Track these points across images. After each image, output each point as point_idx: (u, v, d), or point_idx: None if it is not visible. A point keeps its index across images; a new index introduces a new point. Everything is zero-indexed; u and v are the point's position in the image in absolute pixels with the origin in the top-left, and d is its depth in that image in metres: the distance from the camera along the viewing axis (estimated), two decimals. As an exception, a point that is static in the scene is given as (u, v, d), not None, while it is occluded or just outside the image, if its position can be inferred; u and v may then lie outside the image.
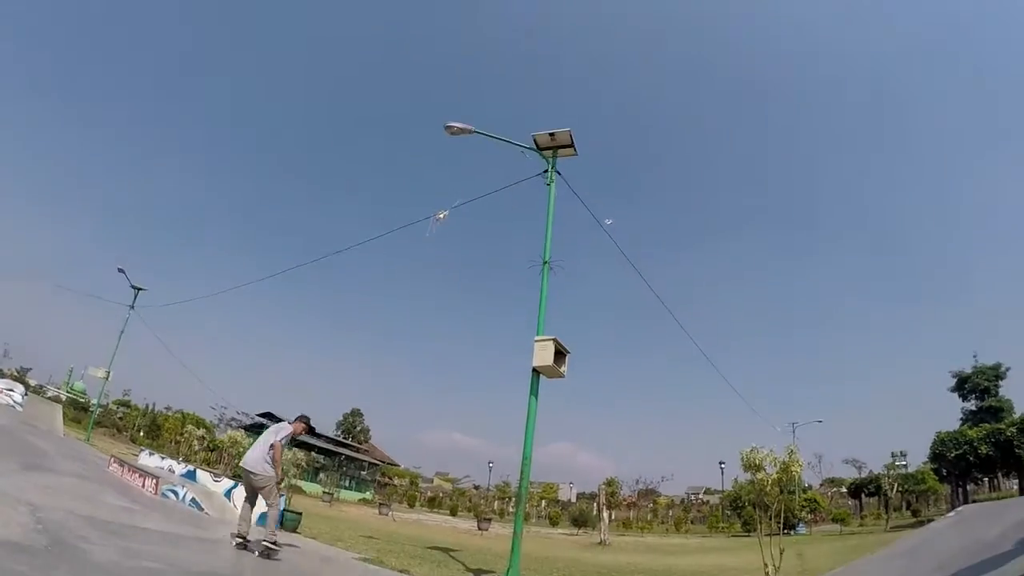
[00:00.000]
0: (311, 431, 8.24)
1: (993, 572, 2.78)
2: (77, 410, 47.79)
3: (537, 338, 8.60)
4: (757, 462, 8.47)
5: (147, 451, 19.44)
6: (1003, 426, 36.18)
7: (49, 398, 45.85)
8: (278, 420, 7.40)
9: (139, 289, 27.77)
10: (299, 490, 36.34)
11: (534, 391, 8.55)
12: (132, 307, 27.56)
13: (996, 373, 44.07)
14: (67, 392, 57.48)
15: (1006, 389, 43.88)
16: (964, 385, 44.03)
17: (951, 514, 6.33)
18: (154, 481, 11.32)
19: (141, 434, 47.77)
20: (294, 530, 10.89)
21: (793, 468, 8.55)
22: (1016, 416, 37.68)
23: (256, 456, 7.18)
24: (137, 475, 12.29)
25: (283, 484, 9.69)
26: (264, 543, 6.79)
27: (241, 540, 6.90)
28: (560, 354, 8.57)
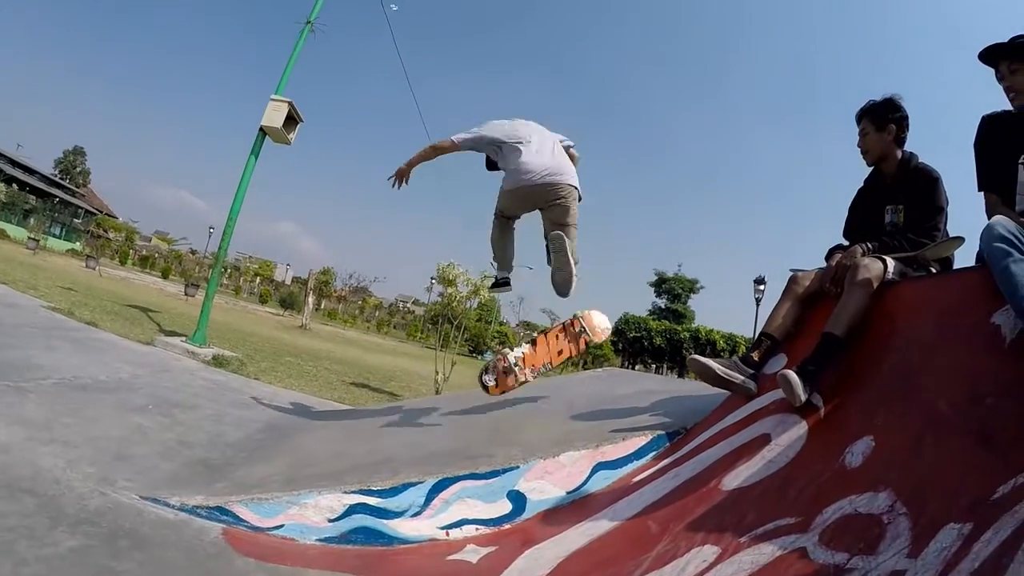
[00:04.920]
0: None
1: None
2: None
3: (273, 97, 7.96)
4: (451, 277, 9.24)
5: None
6: (680, 328, 45.36)
7: None
8: None
9: None
10: (1, 233, 30.65)
11: (255, 151, 8.06)
12: None
13: (691, 287, 53.47)
14: None
15: (694, 302, 53.90)
16: (662, 285, 53.04)
17: (599, 370, 7.75)
18: None
19: None
20: (-17, 273, 9.49)
21: (482, 291, 9.54)
22: (692, 325, 47.39)
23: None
24: None
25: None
26: None
27: None
28: (292, 120, 8.07)
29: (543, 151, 3.74)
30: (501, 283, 4.12)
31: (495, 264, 4.16)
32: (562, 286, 3.67)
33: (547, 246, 3.75)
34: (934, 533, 1.28)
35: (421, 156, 3.79)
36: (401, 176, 3.80)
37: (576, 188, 3.75)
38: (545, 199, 3.71)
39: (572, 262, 3.60)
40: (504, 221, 4.02)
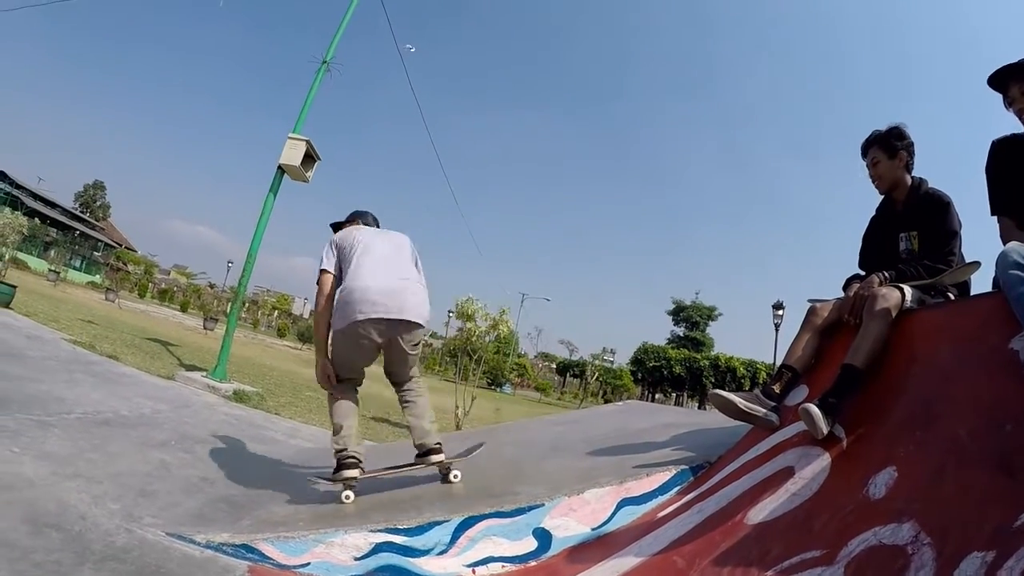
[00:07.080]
0: None
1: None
2: None
3: (291, 135, 8.18)
4: (469, 312, 9.27)
5: None
6: (699, 356, 44.74)
7: None
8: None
9: None
10: (23, 265, 31.40)
11: (274, 189, 8.25)
12: None
13: (709, 314, 52.85)
14: None
15: (712, 329, 53.23)
16: (680, 313, 52.58)
17: (619, 403, 7.72)
18: None
19: None
20: (6, 305, 9.70)
21: (501, 326, 9.54)
22: (712, 353, 46.63)
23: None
24: None
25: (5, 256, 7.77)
26: None
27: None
28: (310, 158, 8.28)
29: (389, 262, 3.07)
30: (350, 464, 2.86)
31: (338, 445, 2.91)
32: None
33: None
34: (958, 562, 1.28)
35: (322, 335, 3.09)
36: (330, 377, 3.09)
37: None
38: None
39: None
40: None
